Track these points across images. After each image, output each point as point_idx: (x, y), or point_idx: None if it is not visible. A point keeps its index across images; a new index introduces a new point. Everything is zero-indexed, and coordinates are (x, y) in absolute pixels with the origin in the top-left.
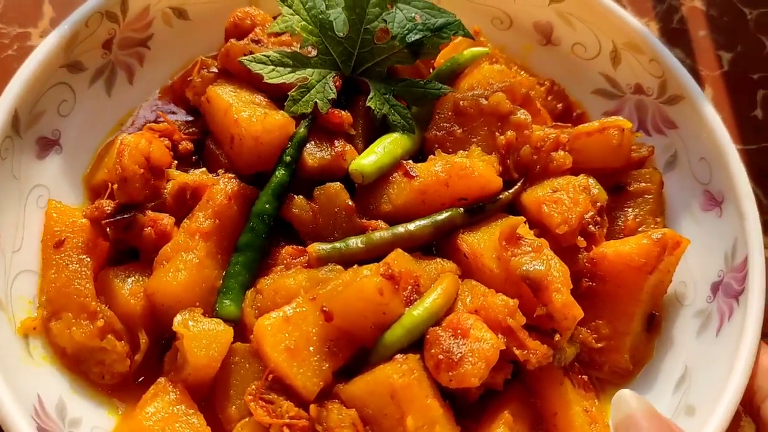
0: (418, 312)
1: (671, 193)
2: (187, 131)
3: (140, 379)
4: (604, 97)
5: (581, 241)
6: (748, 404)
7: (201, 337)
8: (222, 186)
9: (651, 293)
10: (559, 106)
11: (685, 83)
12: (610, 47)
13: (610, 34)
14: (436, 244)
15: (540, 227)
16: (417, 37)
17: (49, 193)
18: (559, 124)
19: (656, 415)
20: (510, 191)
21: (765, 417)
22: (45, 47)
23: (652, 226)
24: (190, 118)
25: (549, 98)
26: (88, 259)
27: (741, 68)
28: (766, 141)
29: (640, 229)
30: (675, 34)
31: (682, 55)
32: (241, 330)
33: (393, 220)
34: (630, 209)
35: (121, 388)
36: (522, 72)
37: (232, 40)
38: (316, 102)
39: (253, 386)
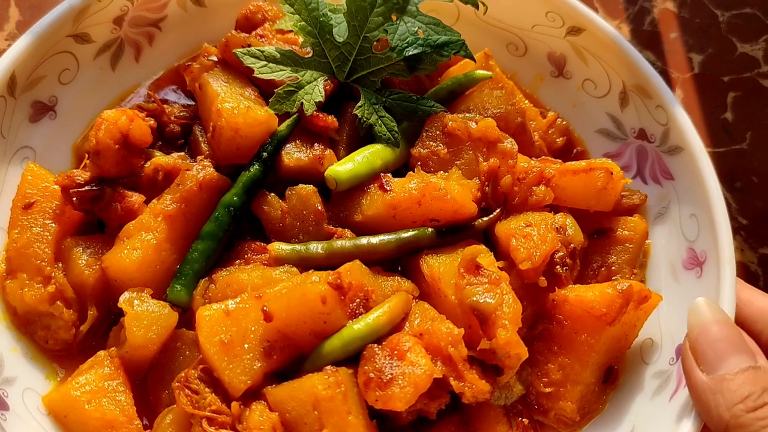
0: (358, 326)
1: (657, 246)
2: (177, 114)
3: (93, 345)
4: (607, 137)
5: (543, 281)
6: None
7: (143, 317)
8: (194, 172)
9: (611, 345)
10: (560, 140)
11: (687, 135)
12: (620, 88)
13: (622, 74)
14: (402, 262)
15: (509, 260)
16: (415, 51)
17: (35, 156)
18: (548, 158)
19: (728, 323)
20: (485, 218)
21: None
22: (52, 15)
23: (627, 276)
24: (191, 103)
25: (550, 131)
26: (53, 225)
27: (712, 70)
28: (736, 144)
29: (614, 278)
30: (646, 36)
31: (653, 57)
32: (191, 318)
33: (362, 230)
34: (609, 256)
35: (65, 355)
36: (526, 101)
37: (234, 31)
38: (302, 103)
39: (183, 374)
